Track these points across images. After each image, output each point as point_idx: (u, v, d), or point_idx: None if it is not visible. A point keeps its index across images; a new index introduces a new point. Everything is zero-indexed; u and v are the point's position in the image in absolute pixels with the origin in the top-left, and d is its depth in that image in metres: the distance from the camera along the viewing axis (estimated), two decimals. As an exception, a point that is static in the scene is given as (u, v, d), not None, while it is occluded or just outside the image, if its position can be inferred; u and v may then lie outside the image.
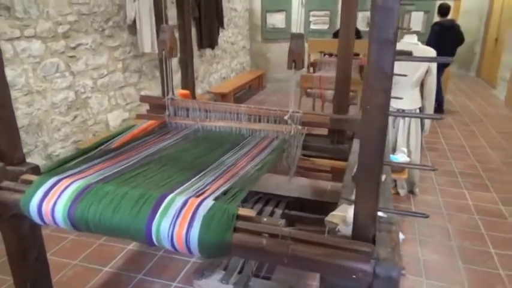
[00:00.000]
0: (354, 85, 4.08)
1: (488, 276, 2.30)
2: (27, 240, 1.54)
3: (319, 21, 7.34)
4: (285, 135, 1.85)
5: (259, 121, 1.90)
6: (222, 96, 5.95)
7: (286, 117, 1.83)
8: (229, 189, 1.25)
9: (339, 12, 7.04)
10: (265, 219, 1.12)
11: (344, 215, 1.29)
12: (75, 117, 3.45)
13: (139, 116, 2.17)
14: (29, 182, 1.31)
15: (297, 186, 2.58)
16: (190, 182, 1.30)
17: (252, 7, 7.68)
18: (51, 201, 1.19)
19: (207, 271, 2.07)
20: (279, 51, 7.83)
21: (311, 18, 7.38)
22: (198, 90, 5.79)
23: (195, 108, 1.97)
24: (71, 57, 3.36)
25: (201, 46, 5.64)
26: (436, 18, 6.08)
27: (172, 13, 4.83)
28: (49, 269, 1.69)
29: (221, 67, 6.68)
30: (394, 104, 3.30)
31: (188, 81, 2.64)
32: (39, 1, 3.01)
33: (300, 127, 1.82)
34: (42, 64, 3.08)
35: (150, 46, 4.20)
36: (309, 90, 4.29)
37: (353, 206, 1.26)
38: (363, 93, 1.03)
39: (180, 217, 1.07)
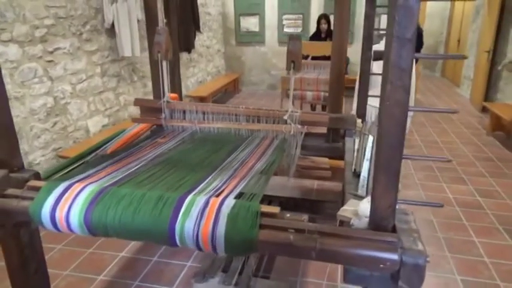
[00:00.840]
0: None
1: (475, 264, 2.42)
2: (26, 251, 1.49)
3: (292, 25, 7.44)
4: (284, 134, 1.87)
5: (258, 122, 1.91)
6: (201, 100, 5.92)
7: (285, 117, 1.86)
8: (245, 189, 1.26)
9: (311, 15, 7.16)
10: (288, 215, 1.14)
11: (356, 209, 1.33)
12: (55, 123, 3.34)
13: (135, 120, 2.13)
14: (37, 189, 1.26)
15: (282, 186, 2.61)
16: (205, 182, 1.30)
17: (225, 11, 7.70)
18: (65, 207, 1.15)
19: (207, 274, 2.06)
20: (253, 54, 7.89)
21: (284, 22, 7.47)
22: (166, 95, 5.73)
23: (192, 111, 1.97)
24: (49, 61, 3.26)
25: (180, 50, 5.59)
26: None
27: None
28: (49, 281, 1.63)
29: (197, 71, 6.64)
30: (376, 103, 3.42)
31: (175, 85, 2.62)
32: (15, 4, 2.90)
33: (299, 126, 1.85)
34: (20, 69, 2.97)
35: (130, 50, 4.13)
36: (289, 92, 4.34)
37: (364, 200, 1.32)
38: (381, 89, 1.06)
39: (204, 217, 1.07)
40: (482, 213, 3.04)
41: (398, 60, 0.97)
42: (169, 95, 2.45)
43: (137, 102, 2.16)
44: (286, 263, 2.40)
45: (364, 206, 1.30)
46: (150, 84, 4.96)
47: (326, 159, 1.97)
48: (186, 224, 1.07)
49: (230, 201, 1.12)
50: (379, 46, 3.00)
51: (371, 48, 2.48)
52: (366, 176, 1.70)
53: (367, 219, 1.25)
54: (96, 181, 1.29)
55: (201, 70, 6.86)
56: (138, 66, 4.67)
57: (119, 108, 4.30)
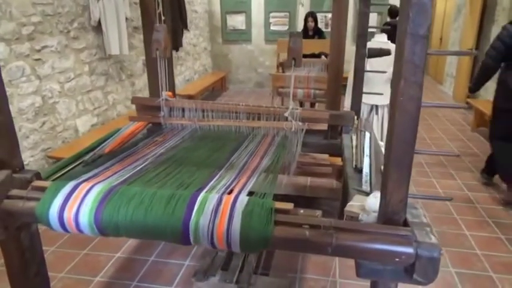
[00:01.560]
0: (323, 83, 4.22)
1: (468, 256, 2.48)
2: (27, 254, 1.45)
3: (279, 23, 7.46)
4: (285, 131, 1.88)
5: (259, 119, 1.91)
6: (189, 98, 5.87)
7: (286, 114, 1.86)
8: (256, 187, 1.26)
9: (298, 13, 7.16)
10: (302, 211, 1.14)
11: (363, 204, 1.34)
12: (44, 123, 3.27)
13: (133, 118, 2.10)
14: (42, 189, 1.23)
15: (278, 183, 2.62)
16: (214, 180, 1.29)
17: (212, 8, 7.66)
18: (74, 207, 1.13)
19: (208, 272, 2.05)
20: (240, 52, 7.87)
21: (271, 20, 7.48)
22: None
23: (191, 108, 1.95)
24: (37, 60, 3.18)
25: (165, 48, 5.53)
26: (388, 19, 6.42)
27: (136, 14, 4.70)
28: (50, 284, 1.60)
29: (185, 69, 6.59)
30: (367, 100, 3.46)
31: (169, 83, 2.59)
32: (1, 1, 2.82)
33: (300, 123, 1.86)
34: (7, 68, 2.89)
35: (117, 48, 4.07)
36: (280, 90, 4.36)
37: (371, 196, 1.33)
38: (393, 85, 1.08)
39: (218, 214, 1.07)
40: (472, 207, 3.11)
41: (412, 56, 0.99)
42: (166, 93, 2.43)
43: (135, 100, 2.13)
44: (284, 260, 2.41)
45: (372, 201, 1.31)
46: (137, 82, 4.91)
47: (326, 156, 1.99)
48: (201, 221, 1.06)
49: (243, 198, 1.12)
50: (370, 44, 3.04)
51: (365, 46, 2.51)
52: (368, 171, 1.72)
53: (375, 214, 1.27)
54: (103, 180, 1.27)
55: (188, 68, 6.81)
56: (126, 65, 4.60)
57: (107, 108, 4.23)
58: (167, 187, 1.24)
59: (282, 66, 4.59)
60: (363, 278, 1.11)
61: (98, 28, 3.93)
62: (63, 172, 1.63)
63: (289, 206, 1.13)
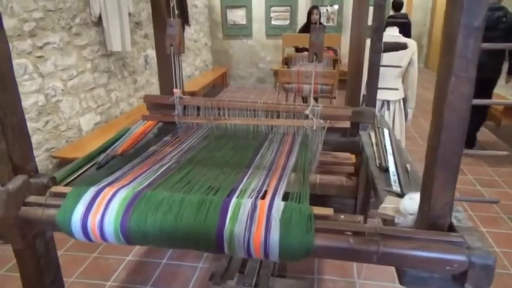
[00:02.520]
0: (329, 79, 4.16)
1: (487, 254, 2.43)
2: (42, 262, 1.38)
3: (281, 17, 7.36)
4: (306, 130, 1.81)
5: (278, 117, 1.84)
6: (192, 95, 5.78)
7: (307, 112, 1.79)
8: (288, 189, 1.20)
9: (299, 7, 7.12)
10: (342, 216, 1.07)
11: (397, 207, 1.28)
12: (47, 122, 3.18)
13: (146, 117, 2.03)
14: (61, 195, 1.16)
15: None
16: (243, 183, 1.22)
17: (211, 3, 7.54)
18: (98, 214, 1.06)
19: (225, 275, 1.99)
20: (241, 47, 7.78)
21: (272, 14, 7.38)
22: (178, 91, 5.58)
23: (207, 107, 1.88)
24: (39, 57, 3.09)
25: (166, 44, 5.44)
26: (391, 13, 6.35)
27: (138, 9, 4.61)
28: (65, 291, 1.53)
29: (186, 65, 6.50)
30: (379, 96, 3.39)
31: (177, 80, 2.51)
32: (2, -4, 2.72)
33: (322, 121, 1.79)
34: (9, 66, 2.79)
35: (119, 44, 3.97)
36: (286, 85, 4.28)
37: (405, 197, 1.27)
38: (440, 80, 1.01)
39: (254, 222, 1.00)
40: (486, 203, 3.06)
41: (465, 50, 0.91)
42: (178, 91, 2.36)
43: (147, 98, 2.05)
44: (300, 261, 2.34)
45: (407, 203, 1.25)
46: (140, 79, 4.82)
47: (348, 154, 1.92)
48: (236, 230, 0.99)
49: (279, 204, 1.05)
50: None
51: (381, 40, 2.43)
52: (395, 170, 1.65)
53: (412, 217, 1.20)
54: (126, 185, 1.20)
55: (189, 65, 6.72)
56: (128, 61, 4.51)
57: (110, 105, 4.14)
58: (195, 191, 1.17)
59: (287, 61, 4.51)
60: (407, 286, 1.05)
61: (99, 24, 3.84)
62: (77, 175, 1.56)
63: (328, 211, 1.06)
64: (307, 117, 1.81)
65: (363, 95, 3.35)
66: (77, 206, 1.08)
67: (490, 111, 5.01)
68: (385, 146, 1.91)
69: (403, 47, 2.54)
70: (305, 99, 5.42)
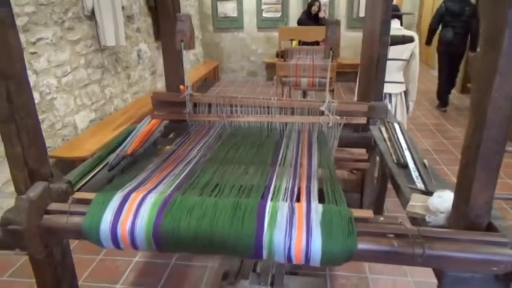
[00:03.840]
0: (327, 71, 4.12)
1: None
2: (59, 270, 1.33)
3: (272, 9, 7.29)
4: (321, 126, 1.78)
5: (292, 114, 1.81)
6: (184, 89, 5.70)
7: (323, 108, 1.76)
8: (321, 190, 1.17)
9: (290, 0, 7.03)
10: (381, 218, 1.05)
11: (425, 205, 1.26)
12: (43, 121, 3.08)
13: (155, 115, 1.96)
14: (85, 201, 1.11)
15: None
16: (273, 184, 1.18)
17: (201, -5, 7.43)
18: (128, 221, 1.01)
19: (239, 275, 1.96)
20: (232, 40, 7.69)
21: (263, 6, 7.30)
22: (158, 85, 5.50)
23: (219, 104, 1.83)
24: (33, 53, 2.98)
25: (158, 37, 5.32)
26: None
27: (129, 2, 4.48)
28: (81, 299, 1.48)
29: (177, 59, 6.38)
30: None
31: (180, 76, 2.46)
32: (-8, -10, 2.60)
33: (338, 117, 1.76)
34: (3, 63, 2.68)
35: (113, 39, 3.87)
36: (283, 79, 4.24)
37: (434, 195, 1.25)
38: (482, 78, 0.98)
39: (294, 227, 0.96)
40: None
41: (511, 48, 0.89)
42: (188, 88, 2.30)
43: (155, 95, 1.98)
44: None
45: (436, 201, 1.23)
46: (133, 74, 4.72)
47: (363, 151, 1.90)
48: (276, 235, 0.96)
49: (317, 207, 1.02)
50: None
51: (388, 33, 2.41)
52: (414, 167, 1.64)
53: (443, 215, 1.19)
54: (152, 189, 1.15)
55: (181, 58, 6.60)
56: (121, 56, 4.40)
57: (105, 102, 4.04)
58: (226, 194, 1.13)
59: (284, 54, 4.46)
60: (447, 287, 1.03)
61: (92, 18, 3.72)
62: (89, 177, 1.50)
63: (368, 213, 1.04)
64: (322, 113, 1.78)
65: (364, 89, 3.34)
66: (105, 213, 1.03)
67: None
68: (398, 140, 1.89)
69: (409, 40, 2.52)
70: (304, 93, 5.39)
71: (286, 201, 1.05)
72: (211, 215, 1.00)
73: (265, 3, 7.28)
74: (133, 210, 1.03)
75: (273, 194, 1.12)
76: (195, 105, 1.89)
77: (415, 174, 1.56)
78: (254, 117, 1.80)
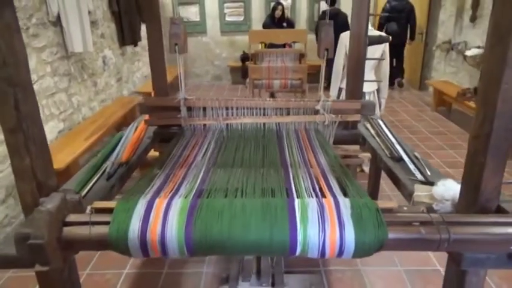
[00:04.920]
0: (299, 73, 4.22)
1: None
2: (68, 286, 1.27)
3: (235, 13, 7.31)
4: (316, 125, 1.82)
5: (287, 114, 1.83)
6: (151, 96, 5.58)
7: (318, 107, 1.80)
8: (339, 184, 1.20)
9: (253, 3, 7.12)
10: (405, 208, 1.09)
11: (430, 194, 1.34)
12: (11, 133, 2.90)
13: (150, 121, 1.92)
14: (105, 211, 1.07)
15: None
16: (292, 183, 1.20)
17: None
18: (158, 228, 0.98)
19: (242, 277, 1.96)
20: (195, 45, 7.62)
21: (226, 10, 7.31)
22: (124, 92, 5.35)
23: (214, 107, 1.82)
24: (-3, 62, 2.80)
25: (123, 43, 5.19)
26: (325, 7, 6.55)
27: (93, 7, 4.34)
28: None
29: (142, 65, 6.24)
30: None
31: (160, 79, 2.42)
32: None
33: (333, 116, 1.81)
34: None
35: (81, 45, 3.72)
36: (255, 81, 4.27)
37: (438, 184, 1.32)
38: (490, 70, 1.05)
39: (326, 221, 0.99)
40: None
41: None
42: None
43: (148, 101, 1.93)
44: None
45: (441, 189, 1.30)
46: (99, 82, 4.56)
47: (357, 148, 1.96)
48: (310, 231, 0.97)
49: (344, 201, 1.05)
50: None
51: (367, 34, 2.50)
52: (408, 159, 1.72)
53: (448, 203, 1.26)
54: (174, 194, 1.13)
55: (145, 64, 6.45)
56: (87, 63, 4.24)
57: (72, 111, 3.87)
58: (250, 195, 1.13)
59: (254, 57, 4.50)
60: (466, 268, 1.10)
61: (57, 23, 3.56)
62: (90, 187, 1.45)
63: (392, 204, 1.08)
64: (316, 112, 1.82)
65: (340, 88, 3.45)
66: (132, 221, 1.00)
67: (443, 98, 5.38)
68: (387, 136, 1.98)
69: (386, 40, 2.63)
70: (272, 95, 5.44)
71: (313, 198, 1.07)
72: (242, 216, 1.00)
73: (227, 7, 7.29)
74: (161, 216, 1.01)
75: (297, 192, 1.14)
76: (190, 109, 1.86)
77: (411, 166, 1.64)
78: (251, 118, 1.81)
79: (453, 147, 4.11)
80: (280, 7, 5.56)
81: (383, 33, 3.22)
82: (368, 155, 1.93)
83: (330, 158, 1.45)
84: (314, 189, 1.15)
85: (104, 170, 1.60)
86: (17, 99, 1.05)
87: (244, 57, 7.21)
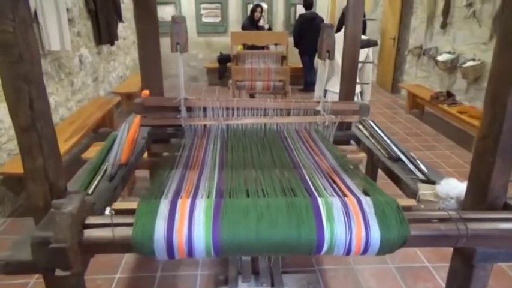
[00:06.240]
0: (282, 75, 4.25)
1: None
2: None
3: (211, 14, 7.28)
4: (316, 126, 1.85)
5: (288, 114, 1.85)
6: (128, 97, 5.47)
7: (318, 108, 1.83)
8: (354, 184, 1.22)
9: (230, 5, 7.12)
10: (422, 206, 1.13)
11: (435, 192, 1.39)
12: (-13, 134, 2.76)
13: (149, 122, 1.87)
14: (126, 212, 1.04)
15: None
16: (309, 183, 1.21)
17: (137, -1, 7.15)
18: (184, 229, 0.96)
19: (241, 278, 1.95)
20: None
21: (202, 11, 7.26)
22: (101, 92, 5.20)
23: (215, 107, 1.80)
24: (-27, 59, 2.65)
25: (99, 42, 5.04)
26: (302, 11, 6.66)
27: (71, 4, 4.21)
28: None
29: (118, 65, 6.09)
30: (336, 89, 3.57)
31: (155, 80, 2.39)
32: None
33: (333, 117, 1.84)
34: None
35: (58, 43, 3.59)
36: (238, 83, 4.27)
37: (442, 183, 1.37)
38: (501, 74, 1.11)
39: (352, 220, 1.00)
40: (437, 183, 3.41)
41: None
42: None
43: (147, 101, 1.89)
44: (297, 255, 2.39)
45: (446, 188, 1.36)
46: (76, 81, 4.41)
47: (354, 147, 2.00)
48: (336, 229, 0.99)
49: (366, 199, 1.07)
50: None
51: (360, 36, 2.56)
52: (406, 159, 1.77)
53: (453, 201, 1.32)
54: (196, 194, 1.11)
55: (121, 64, 6.31)
56: (64, 62, 4.09)
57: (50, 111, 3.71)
58: (271, 195, 1.13)
59: (236, 58, 4.50)
60: (479, 264, 1.14)
61: (33, 20, 3.41)
62: (93, 188, 1.41)
63: (411, 201, 1.11)
64: (317, 113, 1.85)
65: (325, 90, 3.51)
66: (157, 222, 0.98)
67: (416, 101, 5.58)
68: (381, 137, 2.03)
69: (374, 43, 2.70)
70: (252, 96, 5.45)
71: (336, 197, 1.09)
72: (269, 215, 1.00)
73: (204, 8, 7.25)
74: (187, 217, 0.99)
75: (317, 191, 1.15)
76: (190, 109, 1.84)
77: (411, 166, 1.69)
78: (252, 119, 1.81)
79: (429, 148, 4.27)
80: (259, 9, 5.59)
81: (364, 37, 3.30)
82: (364, 155, 1.98)
83: (338, 158, 1.47)
84: (333, 189, 1.17)
85: (104, 172, 1.56)
86: (31, 97, 1.00)
87: (221, 59, 7.19)
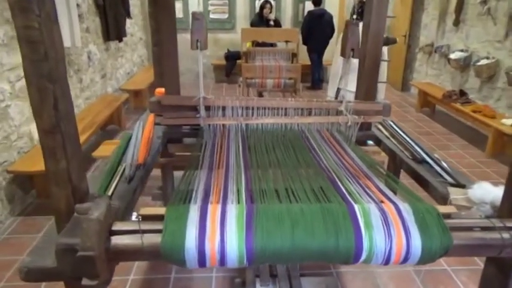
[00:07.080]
0: (293, 72, 4.20)
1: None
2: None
3: (219, 10, 7.21)
4: (338, 126, 1.79)
5: (309, 114, 1.79)
6: (136, 94, 5.43)
7: (341, 108, 1.77)
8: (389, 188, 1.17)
9: (237, 1, 7.05)
10: (463, 213, 1.08)
11: (467, 197, 1.33)
12: (-3, 132, 2.73)
13: (169, 121, 1.83)
14: (154, 218, 0.99)
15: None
16: (341, 187, 1.16)
17: (144, -5, 7.11)
18: (216, 236, 0.92)
19: (260, 281, 1.91)
20: (179, 42, 7.42)
21: (210, 7, 7.20)
22: (109, 89, 5.16)
23: (235, 106, 1.75)
24: (-16, 56, 2.62)
25: (107, 38, 5.00)
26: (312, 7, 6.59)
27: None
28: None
29: (125, 61, 6.05)
30: (353, 88, 3.51)
31: (170, 78, 2.34)
32: None
33: (356, 117, 1.78)
34: (-48, 66, 2.33)
35: (69, 39, 3.55)
36: (248, 81, 4.22)
37: (474, 187, 1.31)
38: None
39: (391, 228, 0.95)
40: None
41: None
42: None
43: (164, 99, 1.84)
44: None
45: (480, 193, 1.30)
46: (85, 78, 4.37)
47: (376, 148, 1.95)
48: (376, 237, 0.94)
49: (404, 205, 1.02)
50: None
51: (383, 34, 2.49)
52: (431, 161, 1.71)
53: (488, 206, 1.26)
54: (224, 200, 1.06)
55: (128, 60, 6.27)
56: (73, 58, 4.05)
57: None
58: (304, 199, 1.08)
59: (246, 55, 4.44)
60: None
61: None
62: (112, 190, 1.36)
63: (450, 208, 1.06)
64: (340, 113, 1.79)
65: (338, 88, 3.45)
66: (187, 230, 0.93)
67: (427, 99, 5.50)
68: (404, 138, 1.97)
69: (393, 41, 2.64)
70: (261, 94, 5.40)
71: (372, 203, 1.04)
72: (304, 222, 0.95)
73: (212, 5, 7.18)
74: (218, 224, 0.94)
75: (351, 196, 1.10)
76: (206, 108, 1.79)
77: (438, 168, 1.64)
78: (272, 118, 1.76)
79: (442, 148, 4.20)
80: (268, 5, 5.53)
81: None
82: (385, 156, 1.92)
83: (366, 161, 1.42)
84: (368, 194, 1.12)
85: (122, 173, 1.52)
86: (56, 97, 0.95)
87: (229, 56, 7.13)
